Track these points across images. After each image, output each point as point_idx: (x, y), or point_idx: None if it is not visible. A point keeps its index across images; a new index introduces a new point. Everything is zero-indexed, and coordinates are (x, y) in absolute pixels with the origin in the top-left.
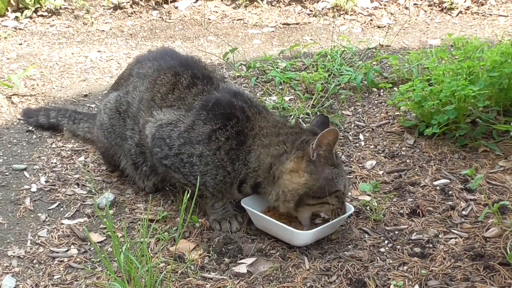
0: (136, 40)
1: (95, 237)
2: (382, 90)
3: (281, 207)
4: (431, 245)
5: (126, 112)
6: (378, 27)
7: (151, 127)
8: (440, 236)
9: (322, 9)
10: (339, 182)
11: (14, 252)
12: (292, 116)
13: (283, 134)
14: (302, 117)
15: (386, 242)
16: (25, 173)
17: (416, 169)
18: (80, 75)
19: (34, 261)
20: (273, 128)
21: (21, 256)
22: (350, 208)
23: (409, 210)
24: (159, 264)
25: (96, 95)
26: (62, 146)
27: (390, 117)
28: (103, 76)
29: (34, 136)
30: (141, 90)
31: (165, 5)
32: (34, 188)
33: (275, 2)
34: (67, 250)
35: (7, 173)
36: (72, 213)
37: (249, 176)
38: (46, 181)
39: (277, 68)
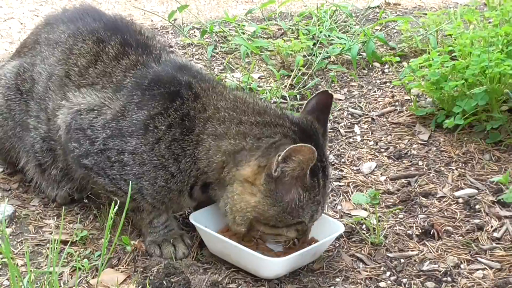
0: None
1: None
2: (386, 66)
3: (232, 229)
4: (449, 279)
5: (29, 92)
6: None
7: (66, 114)
8: (462, 266)
9: None
10: (304, 211)
11: None
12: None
13: (246, 123)
14: (275, 102)
15: (388, 274)
16: None
17: (431, 175)
18: None
19: None
20: (233, 112)
21: None
22: (339, 227)
23: (420, 231)
24: None
25: None
26: None
27: (397, 103)
28: None
29: None
30: (51, 62)
31: None
32: None
33: None
34: None
35: None
36: None
37: (200, 179)
38: None
39: (243, 33)
